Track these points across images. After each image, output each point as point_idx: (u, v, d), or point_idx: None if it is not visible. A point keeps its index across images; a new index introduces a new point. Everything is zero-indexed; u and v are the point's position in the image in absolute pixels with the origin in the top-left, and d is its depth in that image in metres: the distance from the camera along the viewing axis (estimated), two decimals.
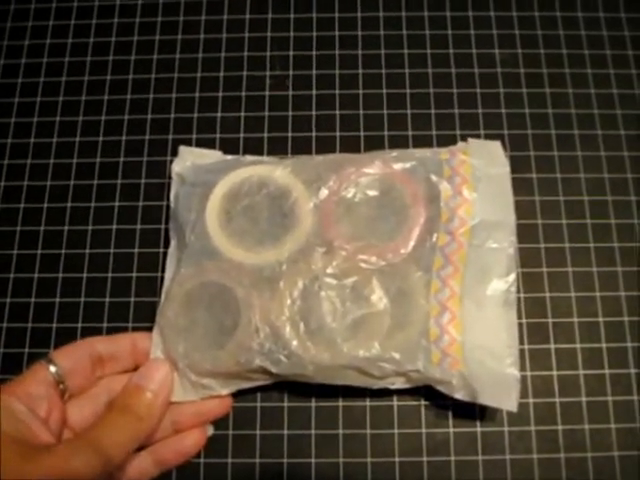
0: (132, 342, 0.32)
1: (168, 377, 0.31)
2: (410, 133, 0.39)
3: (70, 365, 0.30)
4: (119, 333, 0.33)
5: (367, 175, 0.35)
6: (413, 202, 0.34)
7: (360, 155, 0.36)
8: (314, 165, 0.35)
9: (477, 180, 0.35)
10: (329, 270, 0.33)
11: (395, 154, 0.35)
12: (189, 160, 0.37)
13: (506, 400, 0.31)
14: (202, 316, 0.32)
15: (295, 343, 0.31)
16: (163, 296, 0.34)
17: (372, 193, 0.34)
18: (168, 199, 0.37)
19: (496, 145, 0.37)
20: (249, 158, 0.37)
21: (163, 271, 0.36)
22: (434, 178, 0.34)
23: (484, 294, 0.33)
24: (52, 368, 0.30)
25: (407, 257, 0.33)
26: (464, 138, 0.38)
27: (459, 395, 0.32)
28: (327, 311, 0.32)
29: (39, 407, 0.28)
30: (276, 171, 0.35)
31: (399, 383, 0.32)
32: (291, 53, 0.42)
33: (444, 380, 0.32)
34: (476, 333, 0.32)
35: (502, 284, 0.33)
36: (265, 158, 0.37)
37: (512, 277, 0.33)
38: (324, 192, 0.34)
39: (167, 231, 0.37)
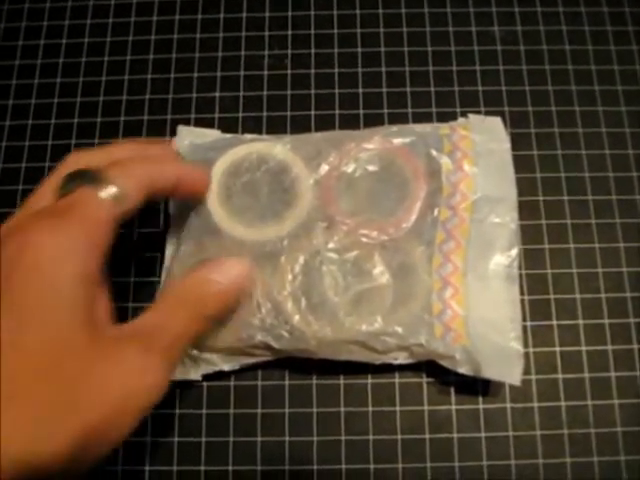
0: None
1: (243, 277, 0.30)
2: (410, 110, 0.39)
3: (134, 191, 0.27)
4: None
5: (367, 150, 0.34)
6: (414, 177, 0.34)
7: (360, 131, 0.36)
8: (314, 141, 0.35)
9: (478, 155, 0.34)
10: (330, 245, 0.33)
11: (395, 129, 0.35)
12: (188, 139, 0.36)
13: (510, 374, 0.31)
14: None
15: (297, 318, 0.31)
16: (164, 274, 0.34)
17: (373, 168, 0.34)
18: None
19: (496, 121, 0.36)
20: (249, 136, 0.37)
21: (163, 251, 0.35)
22: (434, 153, 0.34)
23: (487, 268, 0.33)
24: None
25: (409, 231, 0.33)
26: (464, 115, 0.37)
27: (462, 369, 0.32)
28: (329, 286, 0.32)
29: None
30: (276, 148, 0.35)
31: (402, 358, 0.32)
32: (289, 32, 0.41)
33: (447, 354, 0.31)
34: (479, 308, 0.32)
35: (505, 259, 0.33)
36: (265, 136, 0.37)
37: (514, 252, 0.33)
38: (324, 168, 0.34)
39: (167, 210, 0.37)
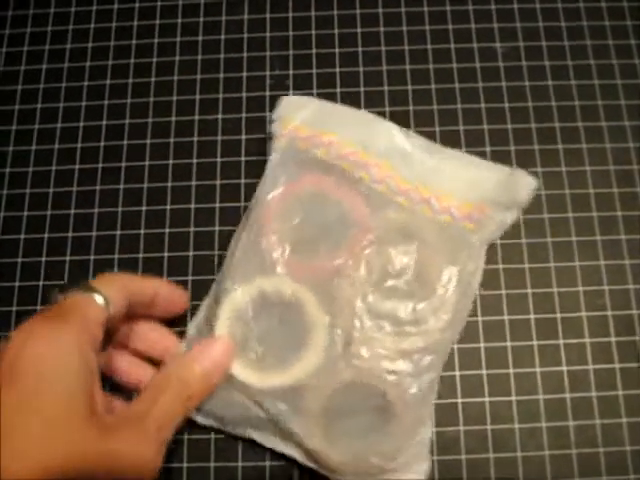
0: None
1: (224, 356, 0.31)
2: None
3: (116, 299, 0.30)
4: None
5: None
6: (327, 189, 0.35)
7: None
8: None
9: (320, 126, 0.36)
10: (363, 290, 0.33)
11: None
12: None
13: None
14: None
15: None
16: None
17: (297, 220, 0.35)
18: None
19: (289, 98, 0.37)
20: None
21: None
22: (295, 154, 0.35)
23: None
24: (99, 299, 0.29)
25: (375, 217, 0.34)
26: (467, 133, 0.38)
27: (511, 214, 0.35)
28: (394, 309, 0.33)
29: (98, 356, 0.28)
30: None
31: None
32: (290, 52, 0.41)
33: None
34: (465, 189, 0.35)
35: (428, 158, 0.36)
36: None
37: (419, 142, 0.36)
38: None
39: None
